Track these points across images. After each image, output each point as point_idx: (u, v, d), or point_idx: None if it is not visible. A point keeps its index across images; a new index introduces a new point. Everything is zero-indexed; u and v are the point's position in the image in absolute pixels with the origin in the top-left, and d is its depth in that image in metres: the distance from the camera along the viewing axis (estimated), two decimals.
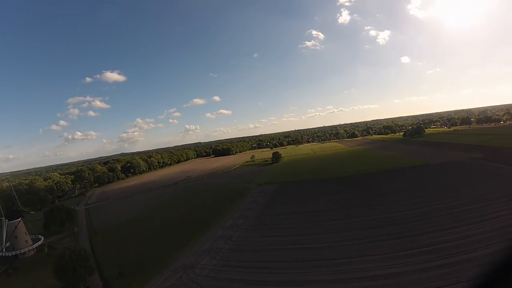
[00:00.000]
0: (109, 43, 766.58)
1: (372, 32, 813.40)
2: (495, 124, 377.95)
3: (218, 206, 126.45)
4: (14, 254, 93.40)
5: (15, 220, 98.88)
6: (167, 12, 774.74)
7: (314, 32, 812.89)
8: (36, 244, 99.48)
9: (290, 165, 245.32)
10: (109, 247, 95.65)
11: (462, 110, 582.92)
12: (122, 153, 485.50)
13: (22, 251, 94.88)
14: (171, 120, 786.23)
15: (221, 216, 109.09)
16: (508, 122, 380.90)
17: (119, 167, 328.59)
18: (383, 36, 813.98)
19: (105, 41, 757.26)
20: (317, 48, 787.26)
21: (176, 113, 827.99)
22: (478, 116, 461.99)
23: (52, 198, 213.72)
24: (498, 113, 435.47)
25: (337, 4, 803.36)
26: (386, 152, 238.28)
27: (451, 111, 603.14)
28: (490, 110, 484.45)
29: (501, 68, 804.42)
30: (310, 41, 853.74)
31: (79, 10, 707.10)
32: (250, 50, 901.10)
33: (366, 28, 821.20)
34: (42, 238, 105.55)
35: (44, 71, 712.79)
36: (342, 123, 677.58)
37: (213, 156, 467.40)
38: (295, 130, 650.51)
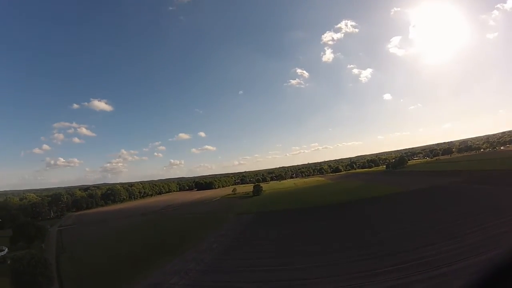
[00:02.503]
0: (99, 73, 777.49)
1: (355, 70, 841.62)
2: (476, 152, 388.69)
3: (195, 232, 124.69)
4: None
5: None
6: (157, 48, 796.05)
7: (299, 71, 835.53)
8: (1, 254, 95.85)
9: (271, 197, 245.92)
10: (75, 264, 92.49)
11: (444, 142, 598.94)
12: (104, 183, 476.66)
13: None
14: (155, 153, 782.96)
15: (195, 242, 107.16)
16: (488, 149, 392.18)
17: (99, 193, 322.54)
18: (365, 74, 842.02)
19: (95, 70, 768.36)
20: (302, 86, 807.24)
21: (161, 147, 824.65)
22: (459, 146, 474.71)
23: (25, 218, 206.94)
24: (478, 143, 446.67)
25: (321, 42, 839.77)
26: (367, 184, 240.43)
27: (433, 144, 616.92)
28: (471, 141, 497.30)
29: (479, 101, 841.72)
30: (295, 79, 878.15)
31: (72, 44, 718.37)
32: (236, 87, 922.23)
33: (349, 66, 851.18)
34: (6, 249, 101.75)
35: (31, 93, 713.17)
36: (327, 159, 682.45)
37: (196, 189, 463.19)
38: (280, 167, 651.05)
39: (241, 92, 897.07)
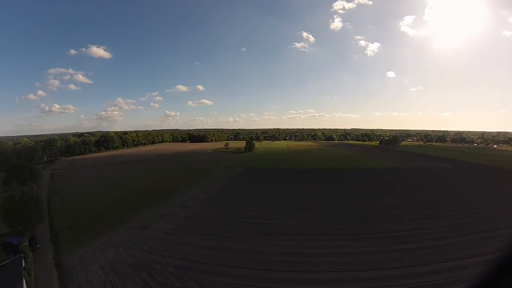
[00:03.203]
0: (98, 18, 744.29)
1: (362, 43, 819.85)
2: (469, 145, 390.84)
3: (184, 181, 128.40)
4: None
5: None
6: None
7: (304, 34, 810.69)
8: None
9: (262, 154, 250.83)
10: (66, 206, 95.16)
11: (440, 130, 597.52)
12: (99, 130, 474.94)
13: None
14: (152, 104, 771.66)
15: (184, 190, 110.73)
16: (482, 144, 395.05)
17: (93, 140, 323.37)
18: (372, 48, 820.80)
19: (94, 15, 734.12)
20: (306, 50, 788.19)
21: (158, 97, 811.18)
22: (454, 136, 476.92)
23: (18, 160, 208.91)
24: (473, 137, 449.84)
25: (331, 10, 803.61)
26: (359, 154, 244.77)
27: (429, 130, 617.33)
28: (466, 134, 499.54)
29: (482, 96, 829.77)
30: (300, 42, 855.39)
31: None
32: (239, 43, 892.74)
33: (356, 37, 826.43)
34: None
35: (26, 36, 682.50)
36: (321, 127, 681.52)
37: (189, 141, 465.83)
38: (274, 129, 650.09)
39: (244, 49, 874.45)
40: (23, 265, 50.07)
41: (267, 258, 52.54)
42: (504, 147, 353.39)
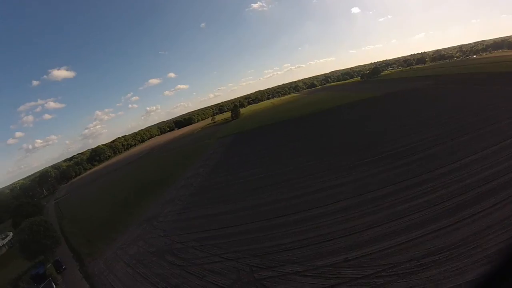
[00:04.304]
0: (49, 40, 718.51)
1: None
2: (449, 60, 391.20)
3: (180, 164, 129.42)
4: None
5: None
6: None
7: None
8: (6, 240, 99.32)
9: (249, 118, 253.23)
10: (77, 224, 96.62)
11: (418, 53, 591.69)
12: (88, 149, 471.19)
13: None
14: (130, 105, 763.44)
15: (183, 172, 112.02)
16: (461, 57, 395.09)
17: (84, 158, 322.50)
18: None
19: (43, 38, 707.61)
20: (265, 9, 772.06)
21: (134, 97, 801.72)
22: (433, 55, 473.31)
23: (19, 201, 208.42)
24: (451, 52, 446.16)
25: None
26: (342, 93, 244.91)
27: (407, 56, 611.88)
28: (444, 50, 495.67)
29: (451, 11, 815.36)
30: (256, 2, 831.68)
31: (11, 10, 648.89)
32: (197, 20, 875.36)
33: None
34: (11, 233, 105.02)
35: None
36: (301, 78, 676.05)
37: (176, 129, 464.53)
38: (256, 92, 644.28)
39: (203, 24, 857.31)
40: (54, 287, 51.52)
41: (275, 207, 54.42)
42: (484, 55, 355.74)
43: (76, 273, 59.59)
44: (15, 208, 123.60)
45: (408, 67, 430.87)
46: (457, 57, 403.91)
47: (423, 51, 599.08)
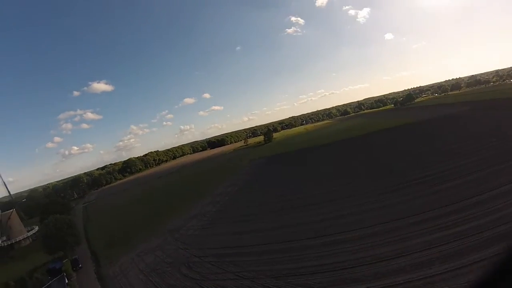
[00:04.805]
0: (91, 54, 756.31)
1: (351, 12, 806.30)
2: (485, 86, 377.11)
3: (210, 182, 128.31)
4: (9, 243, 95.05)
5: (8, 211, 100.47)
6: (146, 16, 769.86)
7: (293, 18, 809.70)
8: (31, 233, 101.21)
9: (282, 142, 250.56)
10: (101, 228, 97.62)
11: (453, 79, 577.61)
12: (121, 160, 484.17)
13: (18, 239, 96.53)
14: (164, 123, 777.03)
15: (211, 190, 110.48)
16: (498, 82, 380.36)
17: (116, 168, 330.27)
18: (362, 15, 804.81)
19: (87, 52, 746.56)
20: (299, 34, 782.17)
21: (168, 115, 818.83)
22: (468, 81, 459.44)
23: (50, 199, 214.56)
24: (487, 77, 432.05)
25: None
26: (375, 120, 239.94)
27: (441, 82, 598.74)
28: (480, 75, 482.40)
29: (485, 33, 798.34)
30: (290, 28, 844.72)
31: (57, 25, 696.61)
32: (232, 43, 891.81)
33: (344, 8, 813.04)
34: (37, 227, 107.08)
35: (30, 91, 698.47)
36: (335, 105, 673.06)
37: (209, 148, 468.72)
38: (289, 117, 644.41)
39: (238, 47, 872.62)
40: (66, 282, 51.04)
41: (300, 229, 51.68)
42: None
43: (90, 273, 59.11)
44: (45, 205, 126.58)
45: (443, 93, 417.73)
46: (493, 82, 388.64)
47: (458, 77, 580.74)
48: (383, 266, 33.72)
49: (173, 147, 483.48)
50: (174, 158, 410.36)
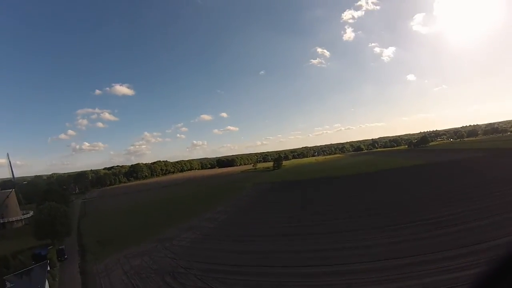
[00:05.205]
0: (118, 57, 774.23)
1: (377, 49, 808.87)
2: (502, 134, 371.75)
3: (212, 199, 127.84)
4: (2, 222, 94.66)
5: (7, 190, 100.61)
6: (175, 28, 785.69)
7: (319, 50, 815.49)
8: (25, 216, 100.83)
9: (290, 170, 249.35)
10: (94, 225, 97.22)
11: (470, 125, 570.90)
12: (128, 165, 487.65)
13: (11, 219, 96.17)
14: (178, 135, 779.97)
15: (212, 206, 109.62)
16: None
17: (122, 171, 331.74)
18: (387, 53, 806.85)
19: (114, 55, 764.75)
20: (323, 65, 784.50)
21: (183, 128, 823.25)
22: (485, 128, 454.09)
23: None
24: (505, 126, 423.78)
25: (341, 21, 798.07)
26: (387, 159, 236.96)
27: (458, 127, 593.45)
28: (498, 124, 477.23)
29: (508, 84, 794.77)
30: (315, 58, 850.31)
31: (91, 24, 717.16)
32: (257, 67, 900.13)
33: (370, 45, 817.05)
34: (32, 212, 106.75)
35: (54, 82, 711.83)
36: (349, 140, 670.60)
37: (217, 167, 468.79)
38: (302, 147, 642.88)
39: (262, 72, 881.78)
40: (48, 269, 50.20)
41: (293, 256, 49.86)
42: None
43: (74, 266, 58.26)
44: (44, 192, 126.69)
45: (458, 139, 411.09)
46: (511, 132, 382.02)
47: (475, 124, 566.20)
48: None
49: (182, 160, 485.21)
50: (182, 171, 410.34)
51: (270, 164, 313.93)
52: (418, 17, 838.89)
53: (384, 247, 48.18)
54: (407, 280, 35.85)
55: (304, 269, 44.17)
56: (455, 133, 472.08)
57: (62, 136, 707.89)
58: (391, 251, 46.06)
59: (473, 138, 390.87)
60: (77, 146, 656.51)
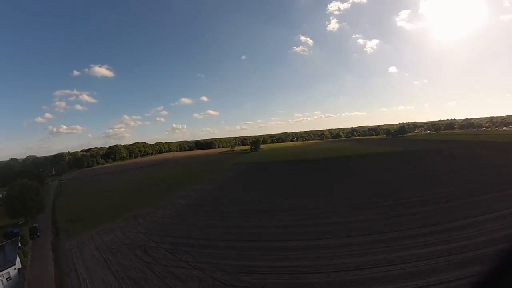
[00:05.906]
0: (98, 38, 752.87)
1: (360, 41, 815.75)
2: (477, 129, 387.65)
3: (188, 178, 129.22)
4: None
5: None
6: (155, 11, 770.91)
7: (302, 38, 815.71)
8: None
9: (267, 152, 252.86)
10: (68, 205, 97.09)
11: (447, 119, 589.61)
12: (106, 147, 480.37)
13: None
14: (158, 118, 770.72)
15: (187, 185, 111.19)
16: (491, 128, 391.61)
17: (100, 153, 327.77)
18: (371, 45, 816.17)
19: (94, 35, 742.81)
20: (306, 53, 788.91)
21: (163, 111, 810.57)
22: (462, 123, 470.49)
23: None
24: (481, 122, 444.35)
25: (327, 12, 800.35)
26: (363, 146, 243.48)
27: (436, 121, 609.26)
28: (474, 120, 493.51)
29: (486, 82, 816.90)
30: (298, 46, 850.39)
31: (71, 9, 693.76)
32: (239, 52, 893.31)
33: (354, 36, 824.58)
34: (4, 193, 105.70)
35: (31, 64, 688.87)
36: (329, 128, 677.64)
37: (196, 149, 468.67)
38: (282, 133, 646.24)
39: (244, 57, 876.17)
40: (19, 245, 50.92)
41: (265, 231, 52.15)
42: None
43: (47, 243, 58.94)
44: (18, 173, 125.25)
45: (435, 131, 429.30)
46: (486, 127, 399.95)
47: (453, 118, 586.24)
48: (342, 275, 34.22)
49: (161, 142, 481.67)
50: (160, 152, 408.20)
51: (248, 147, 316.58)
52: (404, 14, 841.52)
53: (352, 224, 51.22)
54: (376, 255, 38.38)
55: (265, 243, 46.60)
56: (433, 125, 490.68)
57: (39, 119, 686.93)
58: (351, 228, 48.98)
59: (450, 131, 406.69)
60: (54, 129, 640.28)
